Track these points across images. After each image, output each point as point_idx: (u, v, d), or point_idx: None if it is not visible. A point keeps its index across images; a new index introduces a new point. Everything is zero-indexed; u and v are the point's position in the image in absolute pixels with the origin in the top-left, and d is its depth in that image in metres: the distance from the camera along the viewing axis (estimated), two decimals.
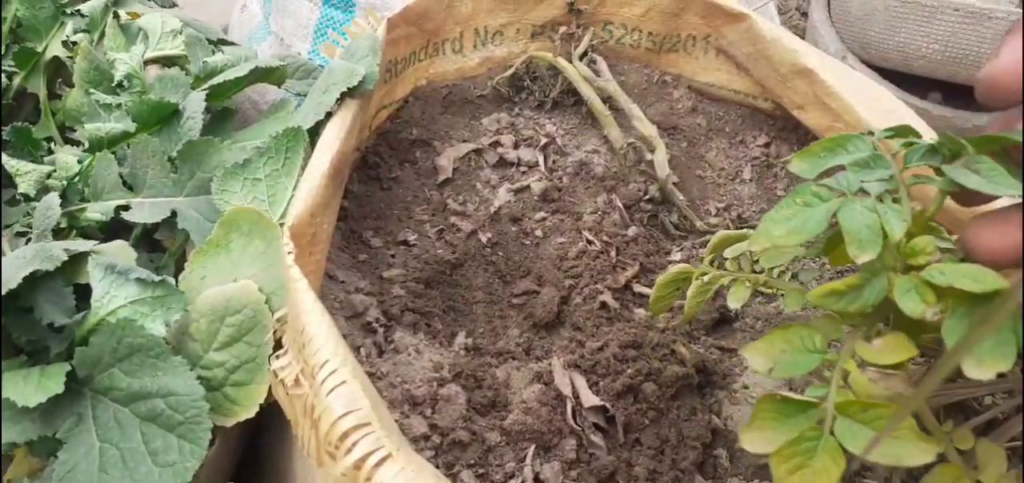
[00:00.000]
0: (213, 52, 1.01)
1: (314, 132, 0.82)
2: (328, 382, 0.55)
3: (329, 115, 0.82)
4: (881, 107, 0.92)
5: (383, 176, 0.98)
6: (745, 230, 0.73)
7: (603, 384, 0.77)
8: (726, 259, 0.75)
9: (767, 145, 1.09)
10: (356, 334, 0.77)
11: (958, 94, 1.22)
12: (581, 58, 1.10)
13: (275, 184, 0.78)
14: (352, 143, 0.84)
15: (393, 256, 0.90)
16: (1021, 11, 1.01)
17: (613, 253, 0.93)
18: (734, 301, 0.69)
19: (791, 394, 0.48)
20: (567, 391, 0.75)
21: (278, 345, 0.68)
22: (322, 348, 0.57)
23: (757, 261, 0.96)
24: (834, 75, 0.95)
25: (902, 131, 0.60)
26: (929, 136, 0.90)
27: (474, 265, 0.93)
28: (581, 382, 0.77)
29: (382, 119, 1.02)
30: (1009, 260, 0.45)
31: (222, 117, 0.93)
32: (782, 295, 0.94)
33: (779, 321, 0.88)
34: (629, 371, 0.77)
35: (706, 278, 0.71)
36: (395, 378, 0.75)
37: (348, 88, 0.83)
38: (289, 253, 0.64)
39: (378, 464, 0.52)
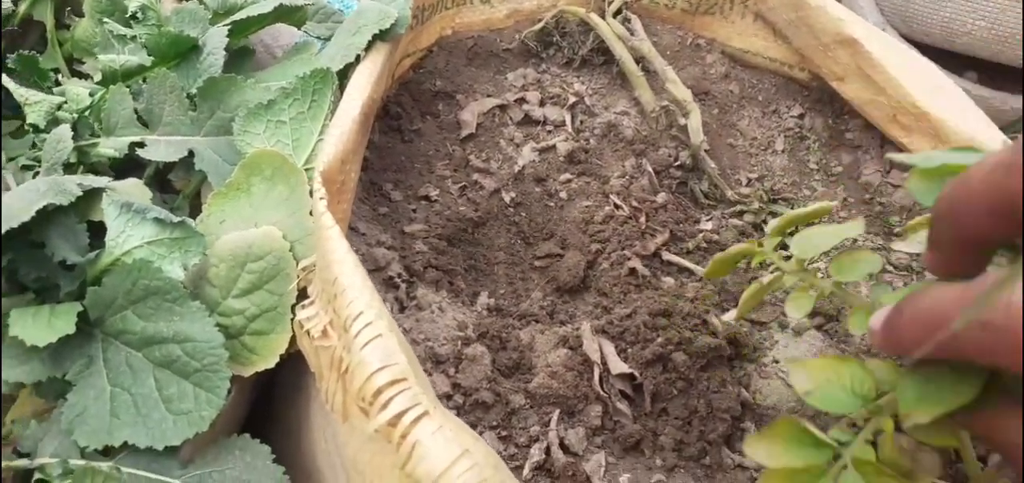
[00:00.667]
0: None
1: (341, 76, 0.80)
2: (363, 335, 0.54)
3: (358, 59, 0.81)
4: (928, 83, 0.91)
5: (405, 128, 0.97)
6: (815, 206, 0.67)
7: (632, 351, 0.76)
8: (791, 255, 0.65)
9: (801, 116, 1.08)
10: (378, 288, 0.76)
11: (994, 75, 1.21)
12: (614, 15, 1.08)
13: (300, 127, 0.76)
14: (381, 90, 0.82)
15: (414, 211, 0.89)
16: None
17: (642, 219, 0.91)
18: (794, 310, 0.61)
19: (813, 428, 0.46)
20: (595, 357, 0.74)
21: (301, 296, 0.67)
22: (356, 299, 0.55)
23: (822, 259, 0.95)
24: (879, 47, 0.93)
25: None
26: (978, 116, 0.90)
27: (496, 225, 0.92)
28: (609, 349, 0.76)
29: (405, 68, 1.00)
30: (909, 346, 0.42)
31: (240, 56, 0.91)
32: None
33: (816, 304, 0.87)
34: (659, 340, 0.76)
35: (767, 280, 0.66)
36: (418, 335, 0.74)
37: (380, 31, 0.82)
38: (321, 199, 0.62)
39: (415, 421, 0.51)
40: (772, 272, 0.64)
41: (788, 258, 0.63)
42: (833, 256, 0.76)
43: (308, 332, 0.61)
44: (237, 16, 0.86)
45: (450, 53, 1.06)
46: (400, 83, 1.00)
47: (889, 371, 0.50)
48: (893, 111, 0.95)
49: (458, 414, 0.71)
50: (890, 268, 0.92)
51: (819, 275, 0.70)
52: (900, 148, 0.97)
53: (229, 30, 0.85)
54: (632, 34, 1.06)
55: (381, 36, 0.81)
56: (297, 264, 0.67)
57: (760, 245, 0.64)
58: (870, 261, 0.60)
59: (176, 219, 0.69)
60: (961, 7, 1.04)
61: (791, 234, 0.65)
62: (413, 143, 0.96)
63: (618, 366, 0.75)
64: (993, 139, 0.87)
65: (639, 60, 1.05)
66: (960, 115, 0.89)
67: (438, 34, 1.05)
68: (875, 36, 0.94)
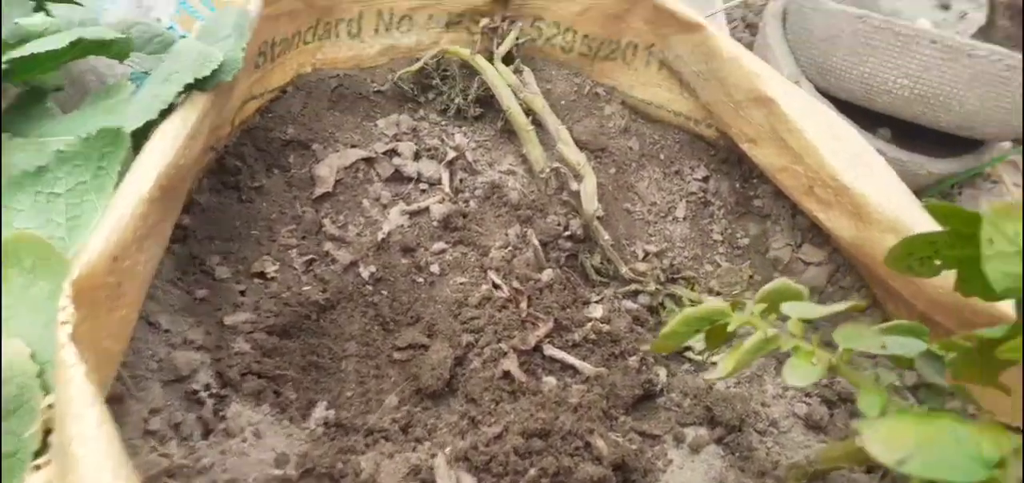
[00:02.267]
0: (35, 10, 0.81)
1: (145, 134, 0.64)
2: None
3: (170, 111, 0.65)
4: (848, 149, 0.80)
5: (244, 185, 0.81)
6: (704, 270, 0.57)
7: None
8: (786, 318, 0.55)
9: (706, 179, 0.96)
10: (175, 407, 0.60)
11: (907, 133, 1.12)
12: (504, 60, 0.95)
13: (79, 203, 0.60)
14: (196, 151, 0.66)
15: (243, 293, 0.73)
16: (1001, 49, 0.91)
17: (523, 303, 0.78)
18: (796, 377, 0.50)
19: None
20: None
21: (46, 444, 0.51)
22: None
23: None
24: (798, 108, 0.82)
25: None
26: (902, 193, 0.79)
27: (350, 307, 0.77)
28: None
29: (249, 112, 0.84)
30: None
31: (31, 100, 0.73)
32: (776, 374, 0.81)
33: (710, 399, 0.76)
34: (532, 472, 0.63)
35: (769, 334, 0.53)
36: (221, 473, 0.58)
37: (197, 79, 0.66)
38: (64, 323, 0.46)
39: None
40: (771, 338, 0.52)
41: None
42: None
43: None
44: (18, 52, 0.68)
45: (309, 94, 0.90)
46: (243, 130, 0.84)
47: (998, 432, 0.37)
48: (810, 182, 0.84)
49: None
50: None
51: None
52: (814, 222, 0.86)
53: (7, 69, 0.67)
54: (524, 85, 0.92)
55: (199, 85, 0.66)
56: (44, 397, 0.51)
57: (736, 307, 0.52)
58: (873, 337, 0.50)
59: None
60: (884, 62, 0.95)
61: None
62: (253, 204, 0.80)
63: None
64: (917, 221, 0.77)
65: (529, 112, 0.92)
66: (884, 191, 0.78)
67: (295, 72, 0.90)
68: (794, 96, 0.83)
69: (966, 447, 0.35)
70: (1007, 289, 0.35)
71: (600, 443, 0.67)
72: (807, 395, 0.78)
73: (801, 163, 0.84)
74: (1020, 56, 0.91)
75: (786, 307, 0.53)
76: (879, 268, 0.77)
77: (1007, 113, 0.96)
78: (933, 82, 0.94)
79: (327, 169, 0.85)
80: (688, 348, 0.82)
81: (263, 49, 0.82)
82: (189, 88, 0.66)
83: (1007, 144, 1.29)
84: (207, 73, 0.67)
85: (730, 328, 0.52)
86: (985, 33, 1.34)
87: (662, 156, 0.98)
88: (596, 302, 0.83)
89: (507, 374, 0.72)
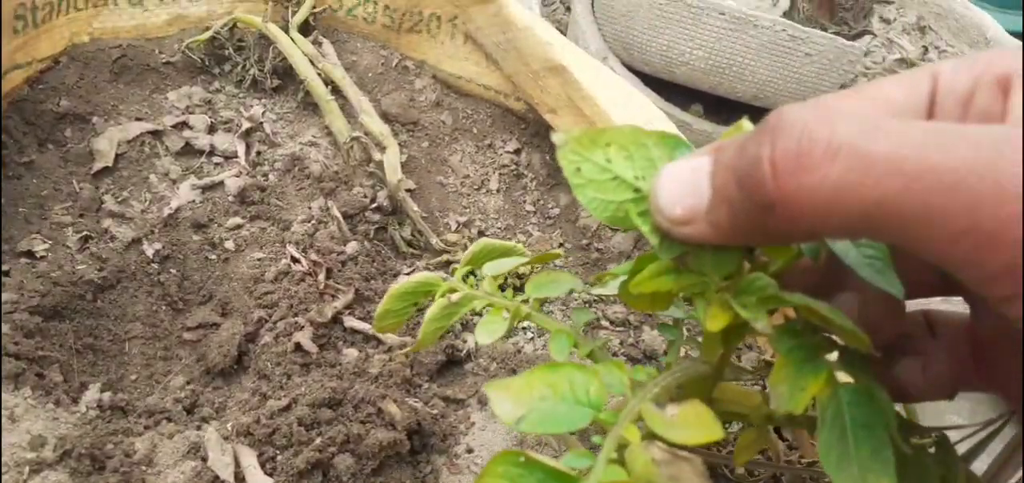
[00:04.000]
0: None
1: None
2: None
3: None
4: (640, 116, 0.84)
5: (10, 160, 0.76)
6: (514, 244, 0.59)
7: (281, 459, 0.62)
8: (484, 277, 0.57)
9: (517, 152, 0.99)
10: None
11: (720, 108, 1.19)
12: (302, 30, 0.93)
13: None
14: None
15: (7, 274, 0.68)
16: (783, 19, 0.98)
17: (321, 276, 0.77)
18: (484, 335, 0.51)
19: (541, 457, 0.34)
20: (227, 473, 0.59)
21: None
22: None
23: (522, 287, 0.86)
24: (590, 76, 0.86)
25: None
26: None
27: (132, 287, 0.74)
28: (249, 459, 0.61)
29: (16, 82, 0.79)
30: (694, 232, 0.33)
31: None
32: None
33: (516, 362, 0.78)
34: (318, 441, 0.62)
35: (455, 297, 0.54)
36: None
37: None
38: None
39: None
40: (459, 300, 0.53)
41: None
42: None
43: None
44: None
45: (86, 65, 0.86)
46: (9, 103, 0.78)
47: (616, 370, 0.38)
48: None
49: None
50: (606, 322, 0.85)
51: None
52: None
53: None
54: (323, 56, 0.91)
55: None
56: None
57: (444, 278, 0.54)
58: (568, 280, 0.52)
59: None
60: (678, 35, 1.00)
61: None
62: (21, 180, 0.76)
63: (258, 481, 0.60)
64: None
65: (329, 83, 0.91)
66: None
67: (68, 41, 0.85)
68: (586, 64, 0.86)
69: (578, 393, 0.36)
70: (611, 217, 0.36)
71: (392, 409, 0.67)
72: (613, 353, 0.82)
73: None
74: (801, 29, 0.99)
75: (485, 268, 0.56)
76: None
77: (795, 83, 1.04)
78: (726, 52, 1.01)
79: (107, 142, 0.81)
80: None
81: (20, 12, 0.77)
82: None
83: None
84: None
85: (438, 296, 0.53)
86: (789, 16, 1.44)
87: (475, 130, 1.00)
88: (406, 274, 0.83)
89: (299, 347, 0.71)
